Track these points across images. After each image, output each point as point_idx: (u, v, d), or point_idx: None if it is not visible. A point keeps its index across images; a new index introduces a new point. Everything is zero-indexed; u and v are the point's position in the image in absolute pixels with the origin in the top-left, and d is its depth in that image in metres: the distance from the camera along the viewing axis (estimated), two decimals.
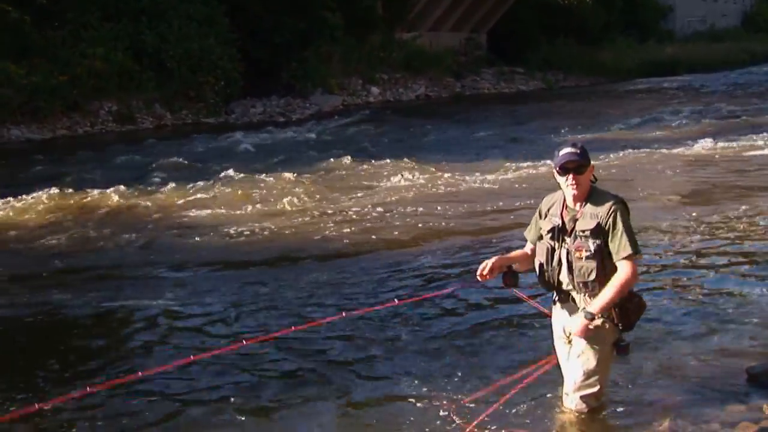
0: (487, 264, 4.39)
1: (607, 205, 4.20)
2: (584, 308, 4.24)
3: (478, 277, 4.41)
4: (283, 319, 6.73)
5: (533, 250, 4.50)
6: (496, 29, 38.38)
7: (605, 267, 4.20)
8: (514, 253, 4.64)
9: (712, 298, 6.79)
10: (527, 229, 4.57)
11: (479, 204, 11.41)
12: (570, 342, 4.43)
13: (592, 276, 4.21)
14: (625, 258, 4.14)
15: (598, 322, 4.22)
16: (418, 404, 4.91)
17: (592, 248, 4.18)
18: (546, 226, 4.38)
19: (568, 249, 4.26)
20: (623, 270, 4.16)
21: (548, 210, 4.41)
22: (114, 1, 23.92)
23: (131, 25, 23.72)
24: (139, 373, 4.77)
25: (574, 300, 4.36)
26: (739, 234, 9.00)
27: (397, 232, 9.75)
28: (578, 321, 4.24)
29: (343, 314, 5.55)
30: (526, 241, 4.60)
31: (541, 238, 4.41)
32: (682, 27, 53.23)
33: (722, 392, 4.91)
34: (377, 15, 31.68)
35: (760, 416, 4.59)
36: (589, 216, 4.21)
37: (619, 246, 4.15)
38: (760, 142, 15.92)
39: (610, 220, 4.16)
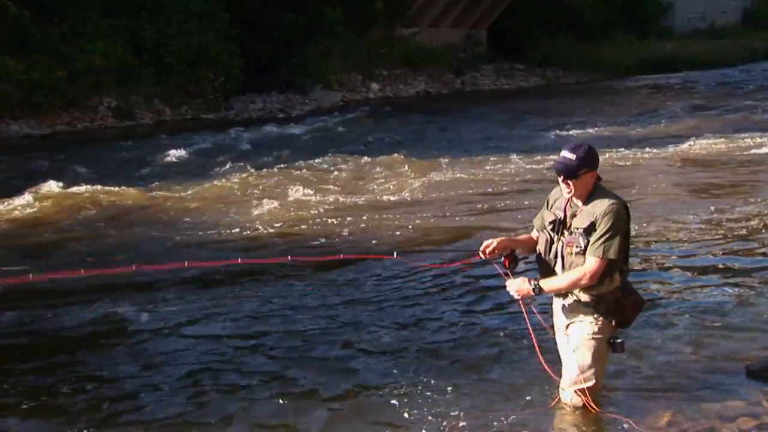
0: (492, 242, 4.44)
1: (605, 206, 4.21)
2: (536, 280, 4.33)
3: (480, 254, 4.45)
4: (280, 320, 6.75)
5: (538, 238, 4.53)
6: (496, 25, 38.33)
7: None
8: (519, 237, 4.72)
9: (711, 295, 6.81)
10: (536, 215, 4.59)
11: (478, 200, 11.41)
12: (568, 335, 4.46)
13: None
14: (594, 256, 4.17)
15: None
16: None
17: (582, 245, 4.22)
18: (548, 217, 4.41)
19: (563, 243, 4.30)
20: (585, 266, 4.20)
21: (555, 201, 4.44)
22: None
23: (131, 21, 23.68)
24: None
25: (569, 293, 4.39)
26: (739, 232, 9.00)
27: (395, 231, 9.68)
28: (524, 285, 4.33)
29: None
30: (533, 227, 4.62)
31: (544, 228, 4.44)
32: (681, 24, 53.15)
33: (721, 389, 4.93)
34: (377, 11, 31.63)
35: (760, 412, 4.60)
36: (587, 214, 4.24)
37: (594, 244, 4.19)
38: (760, 140, 15.92)
39: (602, 219, 4.18)
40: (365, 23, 30.92)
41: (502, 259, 4.50)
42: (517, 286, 4.37)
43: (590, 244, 4.18)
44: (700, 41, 46.59)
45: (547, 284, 4.31)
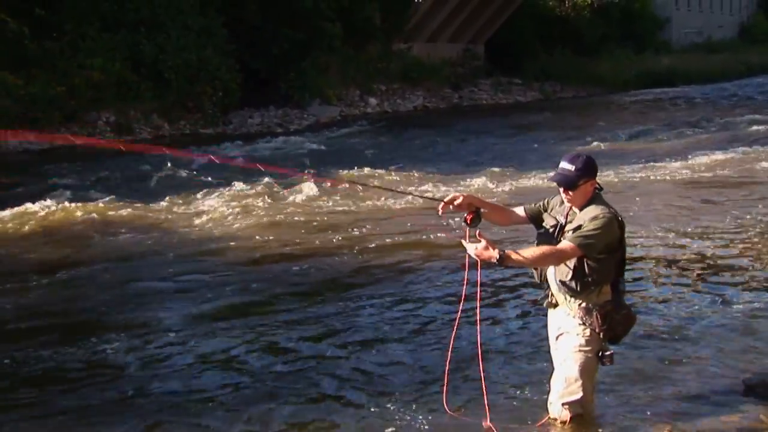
0: (458, 197, 4.39)
1: (596, 212, 4.24)
2: (502, 252, 4.08)
3: (439, 208, 4.40)
4: (273, 325, 6.73)
5: (516, 215, 4.55)
6: (494, 40, 38.50)
7: (584, 269, 4.22)
8: (492, 202, 4.67)
9: (709, 309, 6.79)
10: (537, 203, 4.57)
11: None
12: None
13: (569, 276, 4.26)
14: (569, 242, 4.16)
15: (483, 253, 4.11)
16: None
17: None
18: (549, 221, 4.44)
19: None
20: (558, 246, 4.18)
21: (555, 207, 4.46)
22: (112, 12, 23.96)
23: (129, 36, 23.76)
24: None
25: (558, 302, 4.38)
26: (736, 246, 9.00)
27: (393, 247, 9.64)
28: (487, 249, 4.09)
29: None
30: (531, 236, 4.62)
31: (542, 229, 4.45)
32: (678, 38, 53.41)
33: (719, 403, 4.91)
34: (375, 26, 31.77)
35: (757, 427, 4.59)
36: (579, 219, 4.29)
37: (573, 234, 4.18)
38: (756, 155, 15.95)
39: (589, 222, 4.20)
40: (363, 38, 31.06)
41: (465, 215, 4.37)
42: (478, 249, 4.12)
43: (572, 233, 4.19)
44: (697, 56, 46.83)
45: (515, 254, 4.13)
